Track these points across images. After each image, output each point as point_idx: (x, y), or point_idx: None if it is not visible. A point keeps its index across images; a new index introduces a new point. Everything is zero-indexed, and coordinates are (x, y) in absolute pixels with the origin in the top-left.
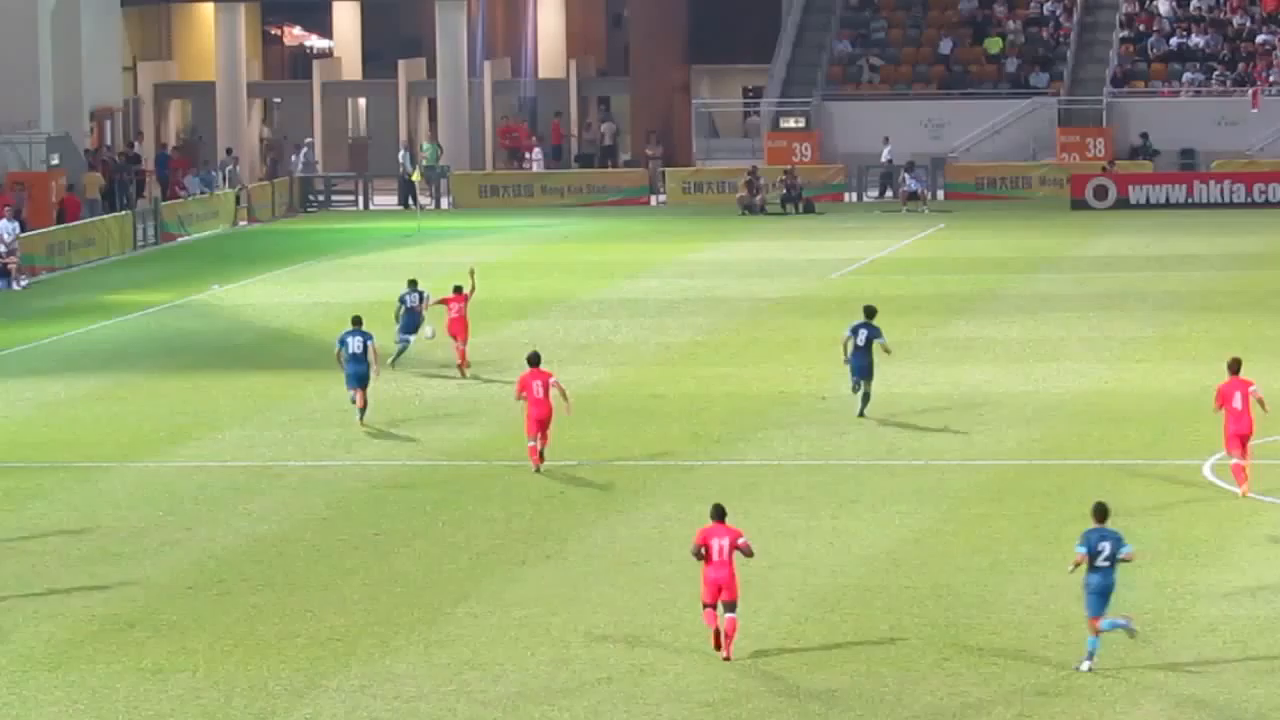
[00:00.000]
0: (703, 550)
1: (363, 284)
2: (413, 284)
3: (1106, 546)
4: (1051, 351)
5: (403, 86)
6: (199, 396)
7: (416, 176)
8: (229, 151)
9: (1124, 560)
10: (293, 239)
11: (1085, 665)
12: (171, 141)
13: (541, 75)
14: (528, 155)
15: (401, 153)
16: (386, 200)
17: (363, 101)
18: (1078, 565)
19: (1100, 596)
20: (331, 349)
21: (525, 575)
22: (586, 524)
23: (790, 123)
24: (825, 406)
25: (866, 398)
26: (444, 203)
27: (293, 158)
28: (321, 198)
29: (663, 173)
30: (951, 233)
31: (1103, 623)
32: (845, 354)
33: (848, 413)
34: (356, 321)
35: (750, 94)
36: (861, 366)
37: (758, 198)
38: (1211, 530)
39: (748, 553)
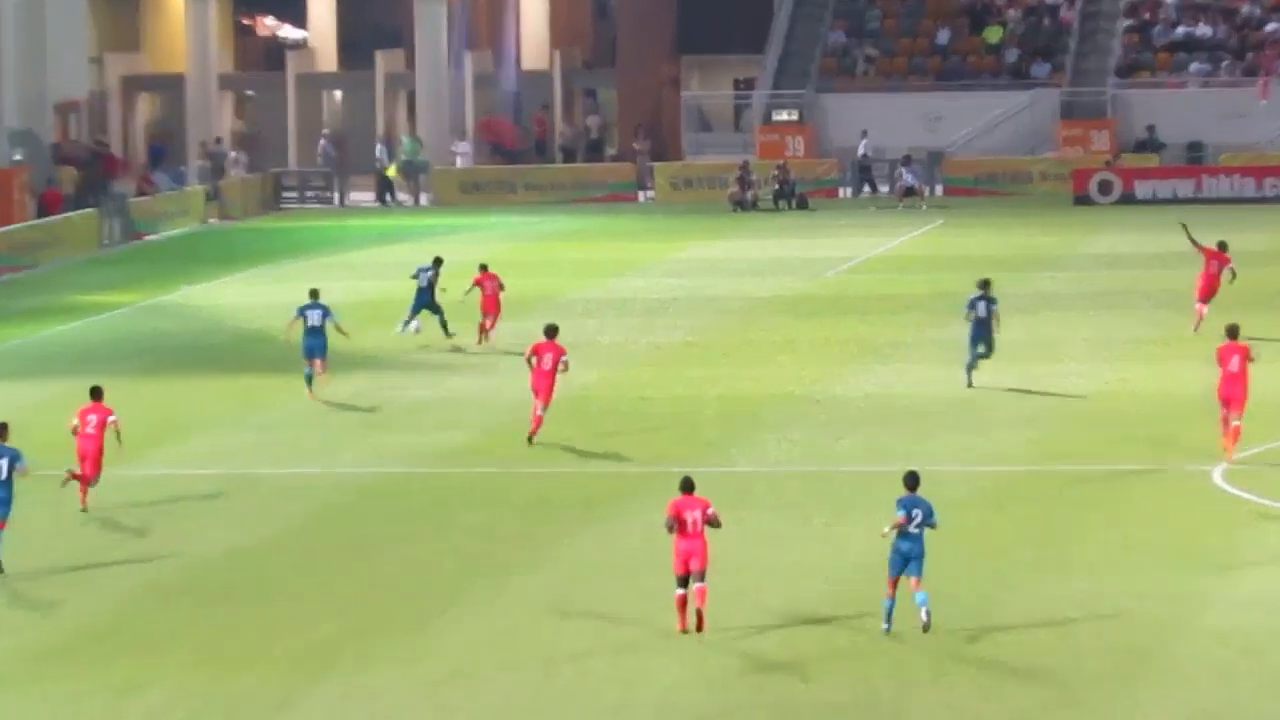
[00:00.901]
0: (675, 523)
1: (338, 283)
2: (438, 262)
3: (918, 514)
4: (1052, 352)
5: (380, 79)
6: (172, 400)
7: (392, 172)
8: (219, 141)
9: (931, 528)
10: (266, 238)
11: (885, 627)
12: (139, 135)
13: (525, 67)
14: (454, 149)
15: (378, 148)
16: (363, 197)
17: (339, 94)
18: (895, 528)
19: (903, 559)
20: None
21: (510, 584)
22: (572, 532)
23: (783, 116)
24: (819, 409)
25: (975, 364)
26: (424, 199)
27: (232, 153)
28: (296, 194)
29: (651, 168)
30: (949, 230)
31: (916, 594)
32: (969, 322)
33: (842, 415)
34: (314, 294)
35: (742, 86)
36: (982, 338)
37: (749, 194)
38: (1221, 537)
39: (716, 524)
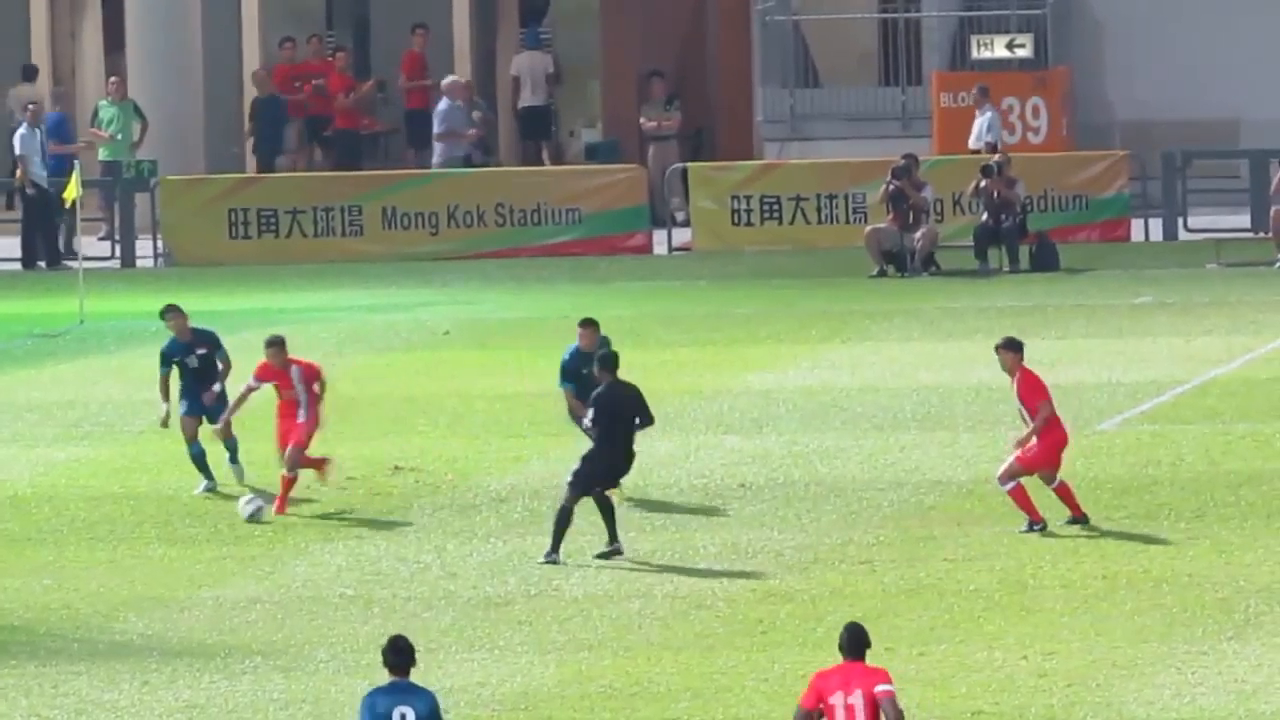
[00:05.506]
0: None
1: None
2: (171, 311)
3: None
4: None
5: None
6: None
7: (71, 192)
8: None
9: None
10: None
11: None
12: None
13: None
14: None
15: (20, 131)
16: None
17: None
18: None
19: None
20: None
21: None
22: None
23: (995, 49)
24: None
25: None
26: (148, 252)
27: None
28: None
29: (683, 173)
30: None
31: None
32: None
33: None
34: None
35: None
36: None
37: (918, 234)
38: None
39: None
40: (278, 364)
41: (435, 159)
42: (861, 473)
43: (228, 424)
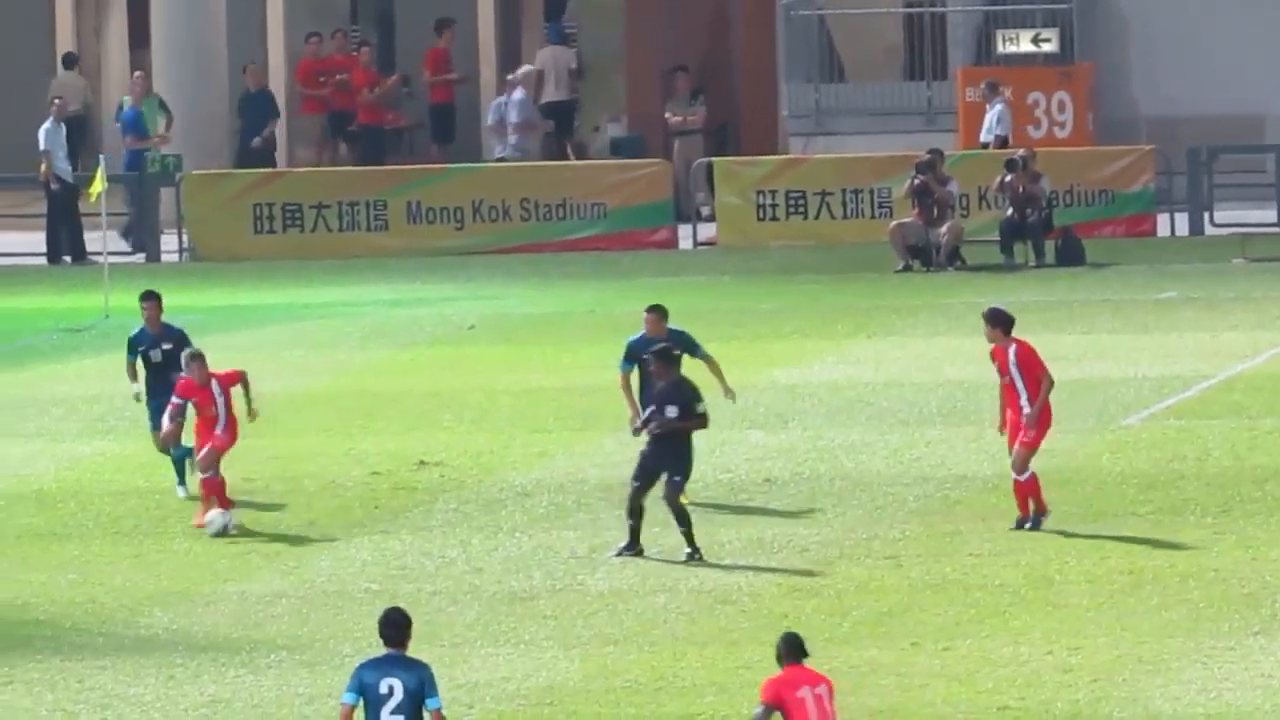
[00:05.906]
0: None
1: None
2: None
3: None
4: None
5: None
6: None
7: (96, 187)
8: None
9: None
10: None
11: None
12: None
13: None
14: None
15: (45, 125)
16: (18, 242)
17: None
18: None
19: None
20: None
21: None
22: None
23: (1020, 44)
24: None
25: None
26: (171, 247)
27: None
28: None
29: (708, 168)
30: None
31: None
32: None
33: None
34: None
35: None
36: None
37: (943, 229)
38: None
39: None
40: (199, 380)
41: (511, 148)
42: (887, 468)
43: (176, 434)
